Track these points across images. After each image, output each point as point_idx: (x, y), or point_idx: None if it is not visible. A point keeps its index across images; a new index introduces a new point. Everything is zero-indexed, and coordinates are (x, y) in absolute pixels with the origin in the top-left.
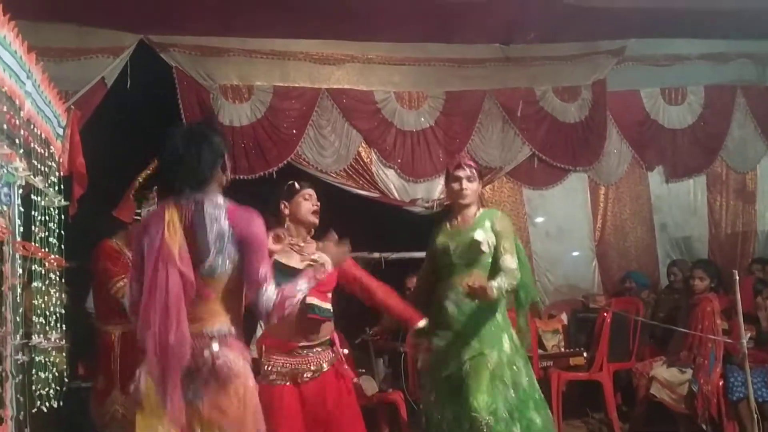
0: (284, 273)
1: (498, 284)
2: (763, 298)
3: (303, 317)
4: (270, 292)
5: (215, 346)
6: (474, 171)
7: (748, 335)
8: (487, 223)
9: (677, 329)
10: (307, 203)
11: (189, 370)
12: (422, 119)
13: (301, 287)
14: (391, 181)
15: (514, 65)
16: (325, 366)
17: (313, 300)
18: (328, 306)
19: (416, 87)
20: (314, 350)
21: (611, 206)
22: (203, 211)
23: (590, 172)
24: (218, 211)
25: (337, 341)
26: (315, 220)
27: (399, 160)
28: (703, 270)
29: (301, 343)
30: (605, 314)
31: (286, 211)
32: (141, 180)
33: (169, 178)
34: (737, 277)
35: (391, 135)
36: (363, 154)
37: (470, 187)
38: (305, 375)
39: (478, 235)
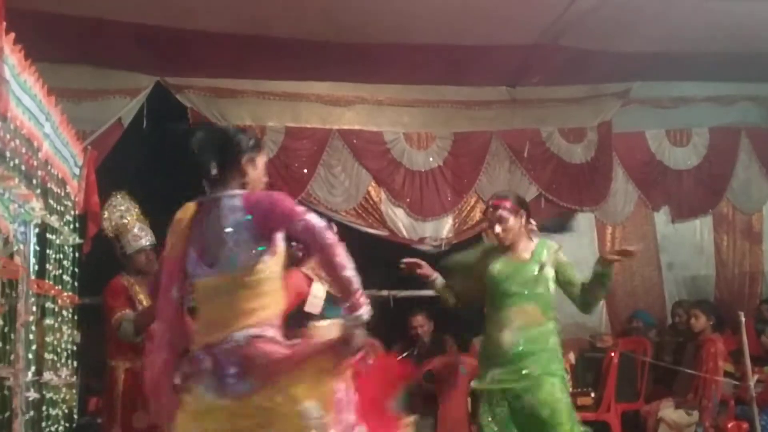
0: (332, 301)
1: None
2: (766, 336)
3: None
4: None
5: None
6: (506, 211)
7: (756, 378)
8: (545, 253)
9: (682, 370)
10: None
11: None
12: (431, 159)
13: None
14: (400, 219)
15: (521, 107)
16: None
17: None
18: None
19: (425, 128)
20: None
21: (618, 246)
22: (220, 204)
23: (597, 212)
24: (234, 200)
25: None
26: None
27: (408, 199)
28: (700, 309)
29: None
30: (612, 354)
31: None
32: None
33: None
34: (743, 319)
35: (400, 174)
36: (372, 193)
37: (507, 228)
38: None
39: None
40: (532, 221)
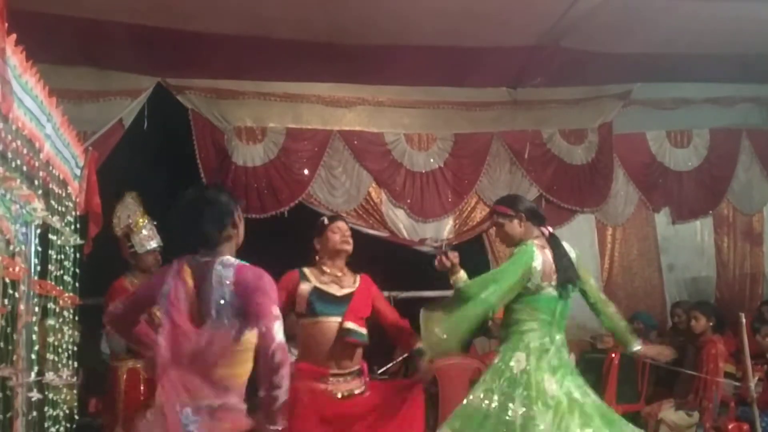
0: (323, 299)
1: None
2: (762, 336)
3: (339, 342)
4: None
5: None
6: (501, 217)
7: (757, 377)
8: None
9: (683, 371)
10: (336, 236)
11: None
12: (431, 160)
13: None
14: (401, 220)
15: (522, 108)
16: (356, 391)
17: (350, 324)
18: (364, 331)
19: (426, 129)
20: (345, 378)
21: (618, 247)
22: (211, 272)
23: (597, 214)
24: (227, 271)
25: (365, 371)
26: (346, 248)
27: (408, 201)
28: (700, 311)
29: (333, 371)
30: (613, 355)
31: (318, 246)
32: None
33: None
34: (744, 320)
35: (400, 176)
36: (373, 194)
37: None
38: (336, 395)
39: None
40: (548, 228)
